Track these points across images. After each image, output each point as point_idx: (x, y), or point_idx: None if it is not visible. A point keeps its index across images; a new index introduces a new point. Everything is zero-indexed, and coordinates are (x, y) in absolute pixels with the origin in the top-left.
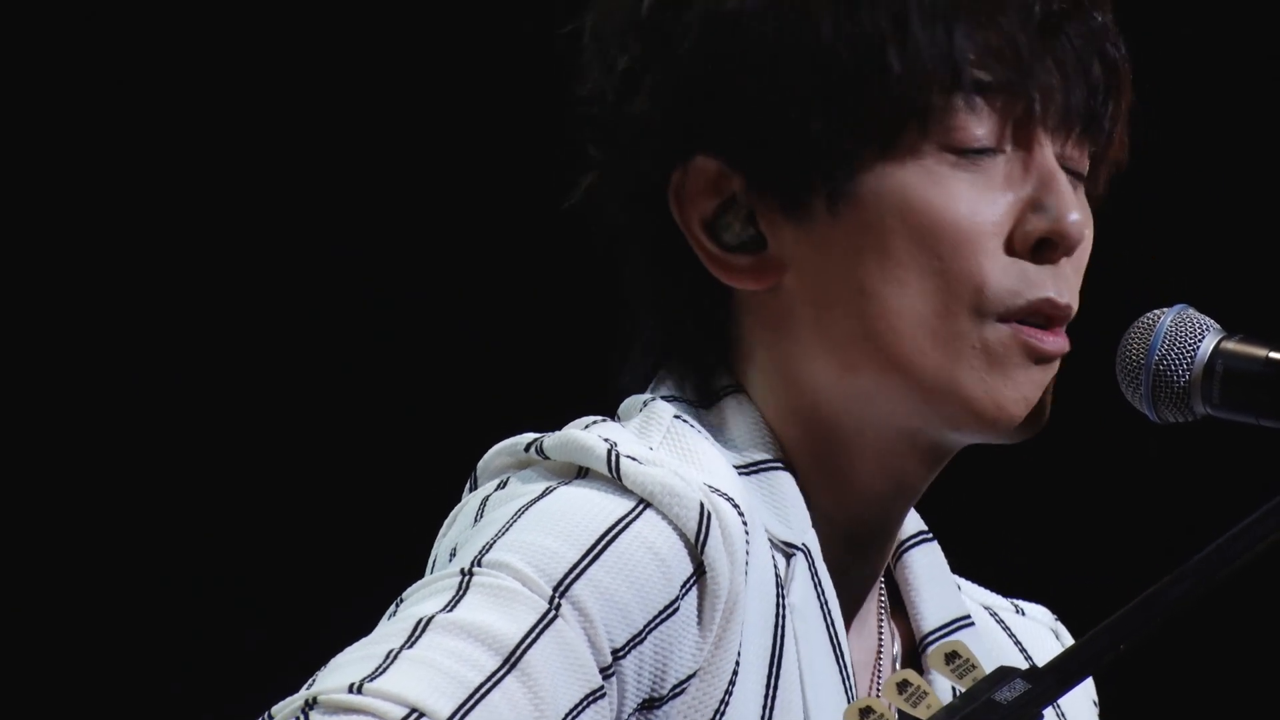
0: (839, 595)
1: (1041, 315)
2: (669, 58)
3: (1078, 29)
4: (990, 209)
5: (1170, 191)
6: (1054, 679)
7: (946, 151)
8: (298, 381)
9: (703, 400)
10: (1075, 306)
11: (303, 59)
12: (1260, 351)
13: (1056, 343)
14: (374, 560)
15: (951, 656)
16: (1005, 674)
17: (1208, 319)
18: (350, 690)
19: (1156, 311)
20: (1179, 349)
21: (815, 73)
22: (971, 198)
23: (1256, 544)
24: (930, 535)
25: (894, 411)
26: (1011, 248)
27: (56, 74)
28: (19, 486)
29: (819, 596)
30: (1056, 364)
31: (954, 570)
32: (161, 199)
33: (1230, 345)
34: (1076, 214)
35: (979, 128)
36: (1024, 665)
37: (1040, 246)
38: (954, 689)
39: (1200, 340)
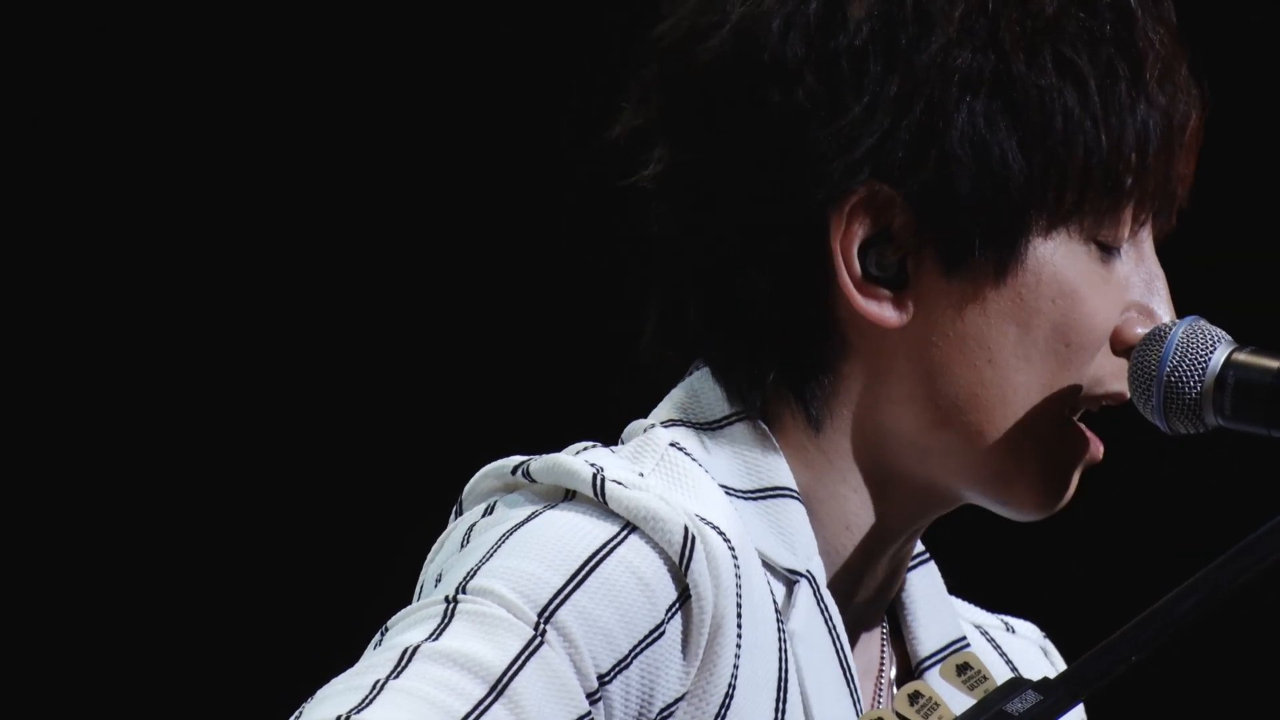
0: (843, 619)
1: (1106, 405)
2: (877, 93)
3: (1200, 126)
4: (1113, 309)
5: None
6: (1065, 690)
7: (1094, 244)
8: (283, 399)
9: (717, 422)
10: None
11: (302, 60)
12: (1272, 363)
13: (1101, 451)
14: (361, 583)
15: (963, 668)
16: (1017, 685)
17: (1219, 330)
18: None
19: (1168, 323)
20: (1191, 361)
21: (1026, 133)
22: (1103, 293)
23: (1269, 556)
24: (928, 556)
25: (955, 472)
26: (1112, 342)
27: (58, 75)
28: (19, 487)
29: (826, 622)
30: None
31: (969, 581)
32: (160, 200)
33: (1242, 357)
34: (1171, 319)
35: (1125, 227)
36: None
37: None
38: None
39: (1212, 352)
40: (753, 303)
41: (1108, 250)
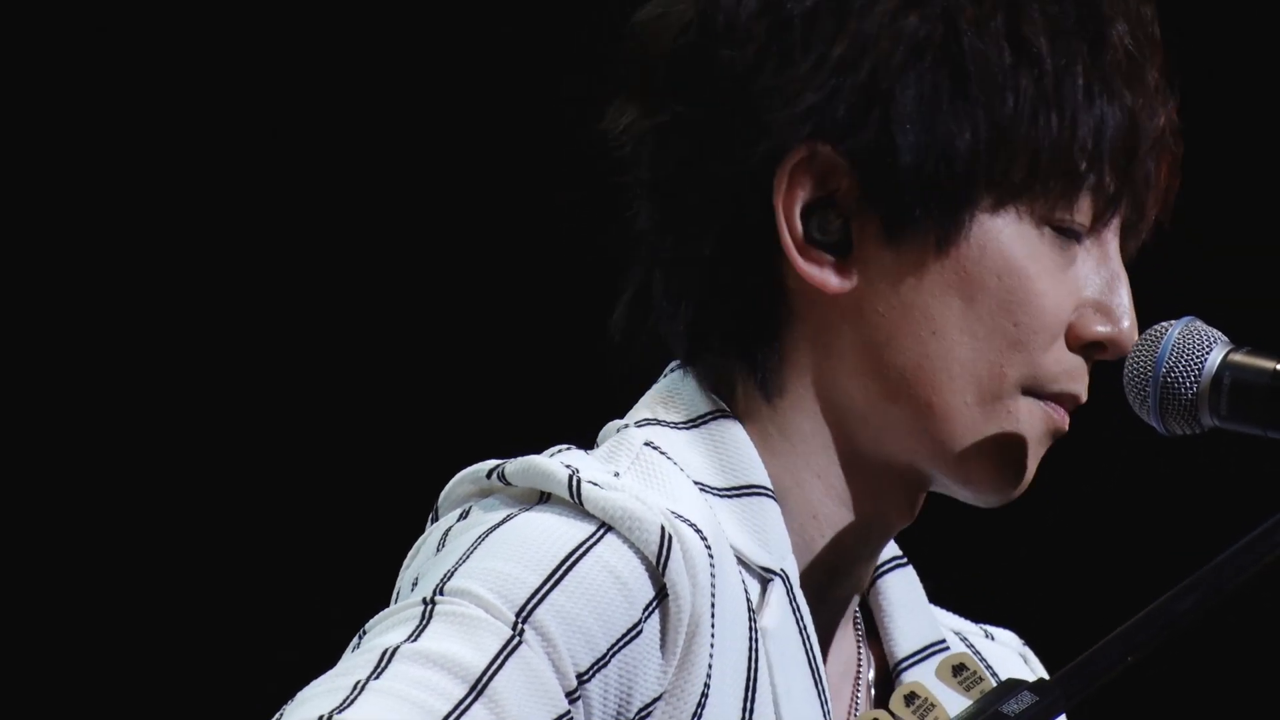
0: (815, 619)
1: (1062, 405)
2: (824, 52)
3: (1171, 132)
4: (1067, 298)
5: (1179, 203)
6: (1062, 691)
7: (1048, 225)
8: (261, 407)
9: (692, 421)
10: None
11: (302, 60)
12: (1268, 364)
13: (1066, 422)
14: (338, 587)
15: (959, 669)
16: (1012, 686)
17: (1215, 331)
18: None
19: (1164, 324)
20: (1186, 361)
21: (974, 105)
22: (1057, 280)
23: (1266, 556)
24: (905, 560)
25: (911, 448)
26: (1067, 339)
27: (58, 75)
28: (19, 487)
29: (798, 621)
30: None
31: (951, 588)
32: (159, 200)
33: (1238, 357)
34: (1130, 321)
35: (1082, 213)
36: None
37: (1091, 347)
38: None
39: (1208, 352)
40: (702, 264)
41: (1065, 236)
